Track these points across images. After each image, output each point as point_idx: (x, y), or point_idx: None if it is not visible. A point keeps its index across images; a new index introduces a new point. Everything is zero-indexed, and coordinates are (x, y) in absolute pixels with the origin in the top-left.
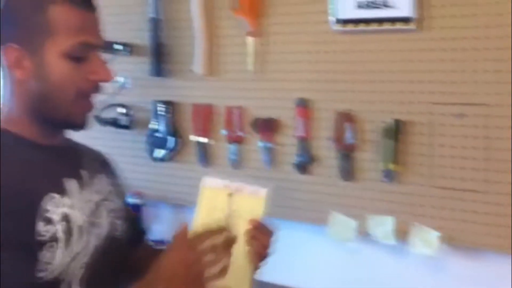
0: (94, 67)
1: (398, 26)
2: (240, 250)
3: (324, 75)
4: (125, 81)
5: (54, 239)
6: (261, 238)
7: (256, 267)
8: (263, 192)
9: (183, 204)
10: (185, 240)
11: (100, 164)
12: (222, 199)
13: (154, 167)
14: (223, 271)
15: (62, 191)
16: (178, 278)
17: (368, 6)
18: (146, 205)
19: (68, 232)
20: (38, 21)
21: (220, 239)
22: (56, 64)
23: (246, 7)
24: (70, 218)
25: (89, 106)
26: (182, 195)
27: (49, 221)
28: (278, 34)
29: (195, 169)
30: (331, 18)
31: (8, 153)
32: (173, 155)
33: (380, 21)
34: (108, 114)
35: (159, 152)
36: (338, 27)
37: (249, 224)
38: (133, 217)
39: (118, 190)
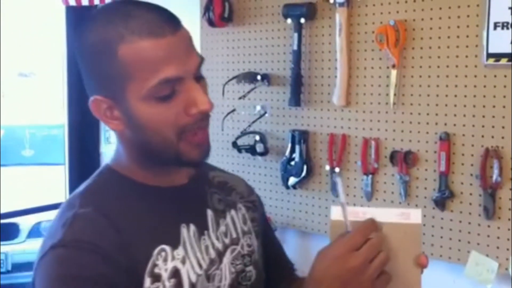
0: (189, 99)
1: None
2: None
3: (471, 109)
4: (263, 109)
5: None
6: None
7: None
8: (416, 215)
9: (311, 232)
10: (349, 242)
11: (238, 197)
12: None
13: (286, 194)
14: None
15: (175, 242)
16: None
17: None
18: (274, 230)
19: None
20: (112, 66)
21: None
22: (142, 109)
23: (392, 40)
24: (181, 274)
25: (199, 139)
26: (310, 223)
27: (157, 277)
28: (423, 67)
29: (325, 197)
30: (483, 52)
31: (121, 199)
32: (305, 183)
33: None
34: (246, 141)
35: (292, 180)
36: (491, 62)
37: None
38: (280, 250)
39: (258, 225)
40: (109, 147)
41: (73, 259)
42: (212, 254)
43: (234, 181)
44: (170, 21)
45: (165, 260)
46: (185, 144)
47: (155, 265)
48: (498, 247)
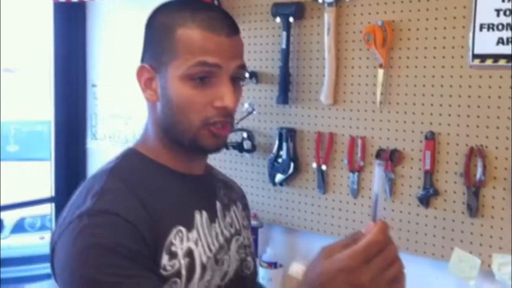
0: (218, 92)
1: None
2: None
3: (456, 109)
4: (251, 107)
5: (177, 275)
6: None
7: None
8: None
9: (298, 229)
10: (361, 254)
11: (237, 196)
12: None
13: (273, 191)
14: None
15: (190, 224)
16: None
17: (509, 42)
18: (261, 227)
19: (190, 269)
20: (167, 43)
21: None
22: (177, 86)
23: (379, 39)
24: (193, 254)
25: (219, 131)
26: (297, 220)
27: (174, 255)
28: (409, 67)
29: (312, 195)
30: (469, 53)
31: (146, 177)
32: (292, 180)
33: None
34: (233, 138)
35: (279, 177)
36: (476, 62)
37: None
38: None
39: (249, 224)
40: (96, 143)
41: (101, 228)
42: (221, 240)
43: (232, 182)
44: (230, 25)
45: (181, 240)
46: (206, 132)
47: (172, 244)
48: (481, 244)
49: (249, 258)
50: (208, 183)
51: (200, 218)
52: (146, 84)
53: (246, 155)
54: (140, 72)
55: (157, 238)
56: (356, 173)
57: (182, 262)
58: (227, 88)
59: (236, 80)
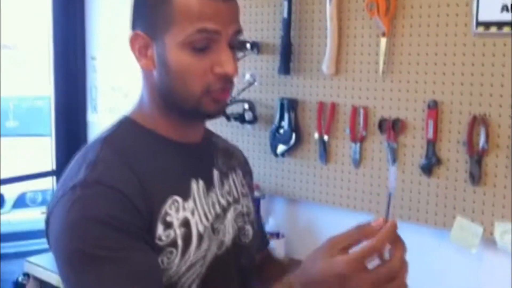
0: (218, 59)
1: None
2: None
3: (460, 77)
4: (252, 78)
5: (173, 244)
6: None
7: None
8: None
9: (299, 199)
10: (359, 257)
11: (237, 163)
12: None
13: (275, 162)
14: None
15: (186, 194)
16: None
17: None
18: (263, 198)
19: (187, 239)
20: (164, 10)
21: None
22: (176, 55)
23: (382, 8)
24: (190, 224)
25: (219, 97)
26: (299, 191)
27: (169, 225)
28: (412, 36)
29: (314, 165)
30: (473, 20)
31: (139, 148)
32: (294, 151)
33: None
34: (234, 109)
35: (281, 148)
36: (480, 30)
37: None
38: (260, 222)
39: (251, 191)
40: (96, 116)
41: (93, 200)
42: (218, 209)
43: (234, 149)
44: None
45: (177, 210)
46: (208, 99)
47: (167, 214)
48: (483, 213)
49: (248, 227)
50: (205, 151)
51: (197, 187)
52: (141, 52)
53: (248, 126)
54: (134, 39)
55: (152, 208)
56: (358, 143)
57: (178, 232)
58: (226, 54)
59: (234, 44)
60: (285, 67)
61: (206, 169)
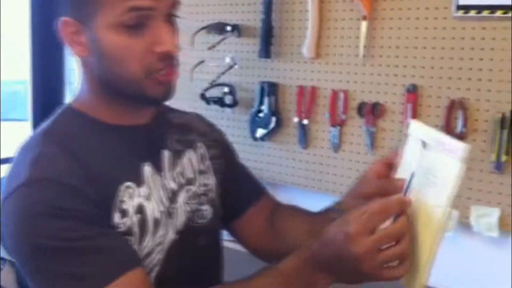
0: (155, 36)
1: None
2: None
3: (440, 61)
4: (233, 61)
5: (130, 232)
6: None
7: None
8: (461, 149)
9: (279, 183)
10: (362, 219)
11: (197, 136)
12: (417, 151)
13: (254, 146)
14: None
15: (139, 179)
16: (347, 266)
17: None
18: None
19: (143, 225)
20: None
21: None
22: (109, 38)
23: None
24: (145, 210)
25: (164, 78)
26: (278, 175)
27: (124, 213)
28: (393, 19)
29: (293, 149)
30: (453, 4)
31: (83, 137)
32: (274, 135)
33: (505, 8)
34: (214, 93)
35: (260, 132)
36: (460, 13)
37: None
38: (248, 174)
39: (220, 162)
40: None
41: (41, 197)
42: (169, 193)
43: (194, 121)
44: None
45: (131, 197)
46: (151, 81)
47: (122, 201)
48: (459, 196)
49: (205, 207)
50: (154, 131)
51: (150, 171)
52: (73, 39)
53: (227, 110)
54: (62, 27)
55: (105, 197)
56: (338, 128)
57: (133, 219)
58: (164, 30)
59: (171, 18)
60: (266, 51)
61: (155, 151)
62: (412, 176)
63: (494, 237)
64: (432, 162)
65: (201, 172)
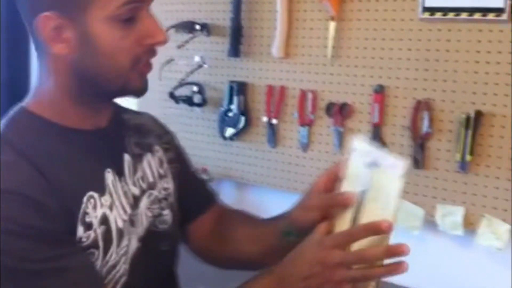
0: (146, 29)
1: (490, 17)
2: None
3: (406, 62)
4: (202, 60)
5: (94, 245)
6: None
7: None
8: (400, 166)
9: (248, 183)
10: (334, 238)
11: (154, 138)
12: (362, 170)
13: (223, 145)
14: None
15: (101, 188)
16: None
17: None
18: (211, 181)
19: (107, 237)
20: None
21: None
22: (103, 31)
23: None
24: (109, 220)
25: (147, 69)
26: (247, 174)
27: (89, 226)
28: (361, 20)
29: (262, 149)
30: (419, 6)
31: (42, 143)
32: (243, 134)
33: (470, 10)
34: (183, 92)
35: (229, 131)
36: (426, 15)
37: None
38: (200, 182)
39: (175, 166)
40: None
41: (5, 213)
42: (131, 199)
43: (149, 122)
44: None
45: (94, 207)
46: (135, 73)
47: (86, 213)
48: (425, 195)
49: (166, 211)
50: (113, 135)
51: (112, 178)
52: (54, 36)
53: (196, 109)
54: (43, 23)
55: (69, 209)
56: (306, 127)
57: (98, 231)
58: (154, 22)
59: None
60: (235, 50)
61: (116, 156)
62: (363, 193)
63: (459, 235)
64: (375, 178)
65: (161, 176)
